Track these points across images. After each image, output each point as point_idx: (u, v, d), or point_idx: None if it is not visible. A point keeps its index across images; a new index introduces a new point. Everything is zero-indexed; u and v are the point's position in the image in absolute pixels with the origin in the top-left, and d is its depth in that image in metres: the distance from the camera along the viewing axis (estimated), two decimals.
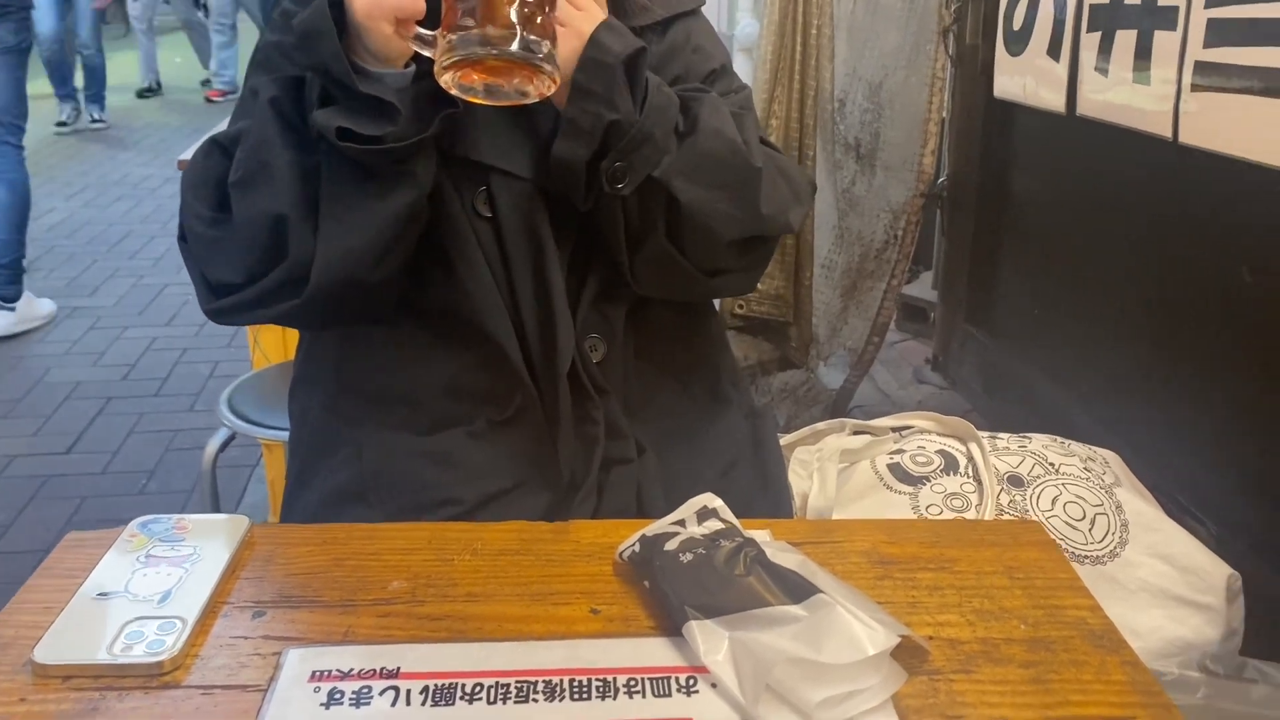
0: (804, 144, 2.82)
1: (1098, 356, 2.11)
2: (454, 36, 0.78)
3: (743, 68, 3.05)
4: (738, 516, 0.80)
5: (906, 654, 0.68)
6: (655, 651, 0.69)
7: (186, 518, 0.81)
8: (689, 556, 0.74)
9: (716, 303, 2.39)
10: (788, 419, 3.03)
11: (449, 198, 0.95)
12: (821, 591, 0.69)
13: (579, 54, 0.89)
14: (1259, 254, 1.58)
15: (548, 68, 0.79)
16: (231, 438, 1.76)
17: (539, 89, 0.81)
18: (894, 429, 1.34)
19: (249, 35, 7.16)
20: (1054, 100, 2.03)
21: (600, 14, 0.92)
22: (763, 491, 1.10)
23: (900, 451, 1.27)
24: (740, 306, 2.96)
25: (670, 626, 0.70)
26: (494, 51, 0.77)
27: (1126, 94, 1.76)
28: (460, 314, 0.97)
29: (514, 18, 0.78)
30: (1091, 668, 0.68)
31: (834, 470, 1.22)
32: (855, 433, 1.37)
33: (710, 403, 1.10)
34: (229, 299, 0.92)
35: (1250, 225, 1.59)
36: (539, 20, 0.79)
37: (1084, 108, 1.94)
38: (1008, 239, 2.60)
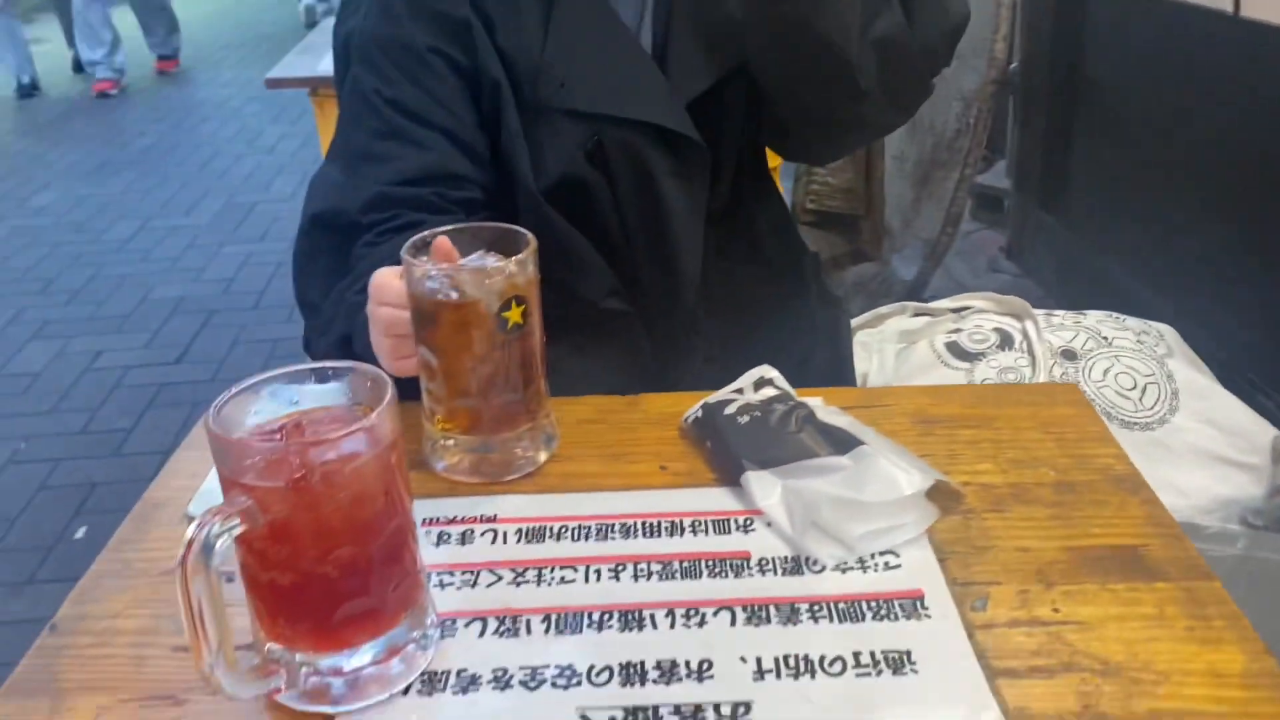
0: None
1: (1170, 239, 2.11)
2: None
3: None
4: None
5: (944, 497, 0.76)
6: (716, 499, 0.78)
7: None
8: (746, 419, 0.82)
9: (788, 198, 2.42)
10: (860, 313, 3.07)
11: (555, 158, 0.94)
12: (865, 444, 0.77)
13: None
14: None
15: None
16: None
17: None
18: (953, 310, 1.40)
19: None
20: None
21: None
22: (834, 382, 1.17)
23: (958, 330, 1.32)
24: (812, 201, 2.98)
25: (729, 478, 0.79)
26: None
27: None
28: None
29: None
30: (1112, 506, 0.75)
31: (893, 350, 1.28)
32: (916, 315, 1.43)
33: (789, 294, 1.14)
34: None
35: None
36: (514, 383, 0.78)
37: None
38: (1081, 124, 2.57)
